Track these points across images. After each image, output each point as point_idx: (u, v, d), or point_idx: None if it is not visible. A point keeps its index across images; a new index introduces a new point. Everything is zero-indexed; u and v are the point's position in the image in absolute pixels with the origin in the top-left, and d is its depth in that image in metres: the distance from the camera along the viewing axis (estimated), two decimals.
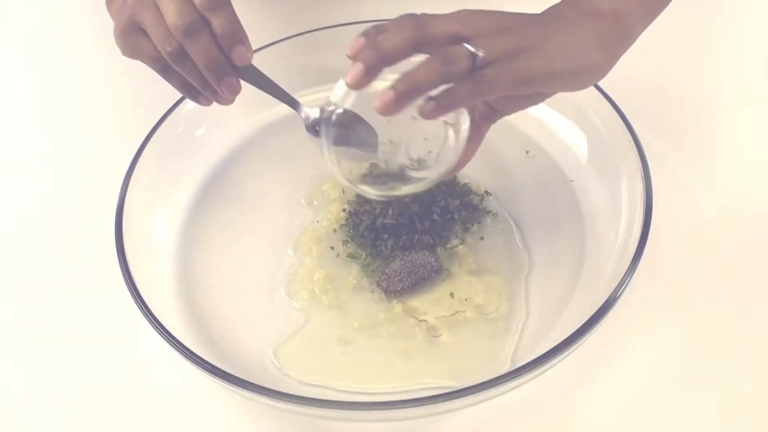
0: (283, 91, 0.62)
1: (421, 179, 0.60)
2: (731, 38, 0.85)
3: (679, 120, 0.76)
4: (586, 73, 0.53)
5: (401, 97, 0.49)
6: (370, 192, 0.60)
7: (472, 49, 0.49)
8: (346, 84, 0.52)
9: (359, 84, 0.51)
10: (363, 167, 0.61)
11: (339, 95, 0.55)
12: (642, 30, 0.56)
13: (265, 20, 0.90)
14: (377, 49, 0.50)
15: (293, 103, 0.62)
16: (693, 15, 0.85)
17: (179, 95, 0.72)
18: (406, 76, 0.49)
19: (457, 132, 0.57)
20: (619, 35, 0.53)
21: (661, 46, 0.81)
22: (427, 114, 0.51)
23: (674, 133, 0.74)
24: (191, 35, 0.57)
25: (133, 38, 0.59)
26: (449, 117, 0.56)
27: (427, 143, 0.59)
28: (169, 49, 0.57)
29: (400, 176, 0.61)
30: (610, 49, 0.53)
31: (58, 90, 0.87)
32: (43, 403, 0.60)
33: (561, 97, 0.70)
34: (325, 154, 0.57)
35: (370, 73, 0.51)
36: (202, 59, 0.58)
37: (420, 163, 0.61)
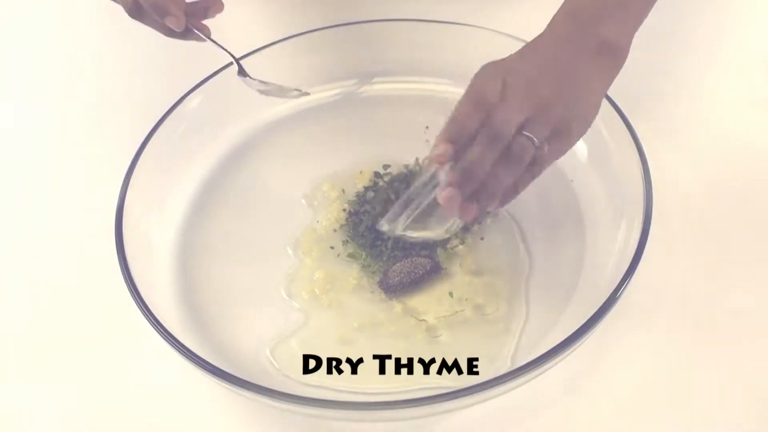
0: (221, 45, 0.68)
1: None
2: (732, 38, 0.85)
3: (679, 120, 0.76)
4: (596, 111, 0.58)
5: (463, 190, 0.54)
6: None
7: (535, 140, 0.54)
8: (441, 201, 0.54)
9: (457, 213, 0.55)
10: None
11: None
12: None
13: (265, 20, 0.90)
14: (470, 177, 0.54)
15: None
16: (693, 15, 0.85)
17: (179, 96, 0.72)
18: (493, 195, 0.55)
19: None
20: (619, 67, 0.57)
21: (661, 46, 0.81)
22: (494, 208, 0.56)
23: (674, 133, 0.74)
24: (136, 17, 0.65)
25: None
26: None
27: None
28: (126, 9, 0.65)
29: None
30: (612, 79, 0.58)
31: (58, 90, 0.87)
32: (42, 402, 0.60)
33: None
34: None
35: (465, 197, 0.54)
36: (154, 26, 0.66)
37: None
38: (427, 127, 0.75)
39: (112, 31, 0.92)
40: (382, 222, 0.59)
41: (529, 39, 0.73)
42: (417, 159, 0.72)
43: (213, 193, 0.73)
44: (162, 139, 0.69)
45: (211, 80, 0.73)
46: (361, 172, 0.72)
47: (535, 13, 0.87)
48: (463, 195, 0.53)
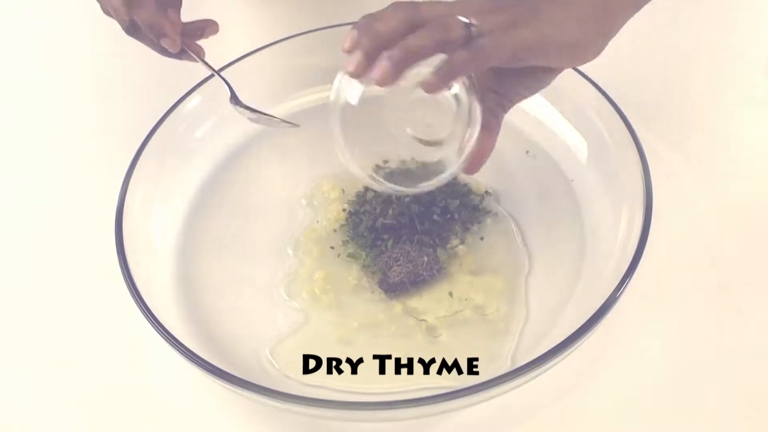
0: (212, 68, 0.69)
1: (438, 172, 0.58)
2: (732, 38, 0.85)
3: (679, 120, 0.75)
4: (576, 48, 0.54)
5: (397, 63, 0.49)
6: (384, 185, 0.58)
7: (465, 20, 0.50)
8: (348, 73, 0.51)
9: (361, 71, 0.50)
10: (375, 160, 0.60)
11: (339, 92, 0.54)
12: (629, 15, 0.56)
13: (265, 20, 0.90)
14: (373, 33, 0.50)
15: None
16: (693, 15, 0.85)
17: (179, 96, 0.72)
18: (401, 44, 0.49)
19: (472, 121, 0.56)
20: (605, 14, 0.54)
21: (661, 46, 0.81)
22: (429, 85, 0.51)
23: (674, 133, 0.74)
24: (132, 35, 0.67)
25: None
26: (461, 96, 0.55)
27: (435, 130, 0.58)
28: (123, 27, 0.67)
29: (413, 173, 0.60)
30: (597, 27, 0.54)
31: (58, 90, 0.87)
32: (42, 402, 0.60)
33: (561, 97, 0.71)
34: (336, 143, 0.57)
35: (370, 58, 0.50)
36: (149, 45, 0.68)
37: (436, 154, 0.59)
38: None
39: (112, 30, 0.92)
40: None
41: None
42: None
43: (213, 193, 0.73)
44: (162, 139, 0.69)
45: (211, 80, 0.73)
46: None
47: None
48: (395, 66, 0.49)
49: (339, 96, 0.55)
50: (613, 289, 0.55)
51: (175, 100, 0.72)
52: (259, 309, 0.63)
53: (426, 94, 0.52)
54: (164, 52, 0.67)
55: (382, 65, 0.49)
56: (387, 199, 0.67)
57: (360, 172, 0.57)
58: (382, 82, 0.50)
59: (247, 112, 0.69)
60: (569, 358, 0.54)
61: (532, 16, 0.52)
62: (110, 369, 0.61)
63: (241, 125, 0.77)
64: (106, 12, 0.69)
